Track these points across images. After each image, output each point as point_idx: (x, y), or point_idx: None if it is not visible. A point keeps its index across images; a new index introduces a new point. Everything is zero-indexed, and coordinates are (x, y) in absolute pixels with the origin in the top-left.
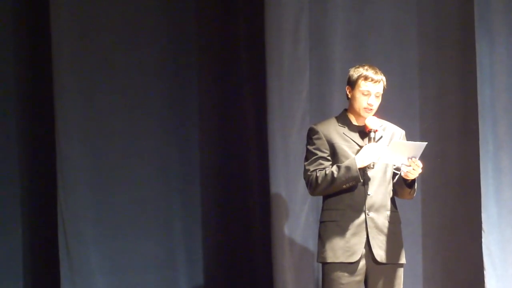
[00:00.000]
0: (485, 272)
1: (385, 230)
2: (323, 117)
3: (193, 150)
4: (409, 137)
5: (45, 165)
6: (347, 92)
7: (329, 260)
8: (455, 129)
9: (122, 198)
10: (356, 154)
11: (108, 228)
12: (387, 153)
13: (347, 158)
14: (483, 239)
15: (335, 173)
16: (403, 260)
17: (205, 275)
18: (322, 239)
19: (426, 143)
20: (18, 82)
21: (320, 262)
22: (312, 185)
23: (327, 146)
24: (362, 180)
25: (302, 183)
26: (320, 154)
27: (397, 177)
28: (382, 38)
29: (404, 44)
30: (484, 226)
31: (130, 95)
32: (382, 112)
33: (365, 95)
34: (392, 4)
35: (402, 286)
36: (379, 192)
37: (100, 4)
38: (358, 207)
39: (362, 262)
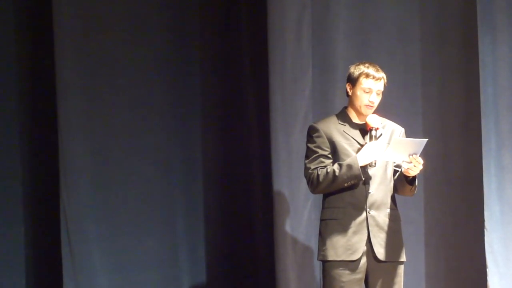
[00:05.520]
0: (487, 270)
1: (386, 228)
2: (326, 115)
3: (196, 148)
4: (412, 134)
5: (47, 163)
6: (348, 89)
7: (330, 258)
8: (457, 127)
9: (124, 196)
10: (357, 152)
11: (110, 226)
12: (388, 150)
13: (347, 156)
14: (485, 237)
15: (337, 171)
16: (403, 258)
17: (208, 273)
18: (323, 237)
19: (427, 139)
20: (21, 80)
21: (321, 260)
22: (313, 183)
23: (327, 144)
24: (363, 179)
25: (304, 181)
26: (321, 152)
27: (397, 174)
28: (385, 36)
29: (406, 42)
30: (486, 224)
31: (132, 93)
32: (385, 110)
33: (367, 92)
34: (395, 2)
35: (402, 284)
36: (380, 190)
37: (103, 2)
38: (359, 205)
39: (363, 260)
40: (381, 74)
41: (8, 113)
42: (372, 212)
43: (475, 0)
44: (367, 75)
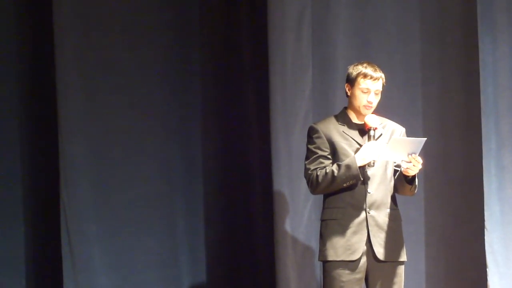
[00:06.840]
0: (487, 270)
1: (386, 228)
2: (326, 115)
3: (196, 149)
4: (412, 134)
5: (47, 163)
6: (346, 90)
7: (330, 258)
8: (457, 127)
9: (124, 196)
10: (356, 153)
11: (110, 226)
12: (386, 150)
13: (347, 156)
14: (485, 237)
15: (335, 171)
16: (403, 257)
17: (208, 273)
18: (323, 237)
19: (426, 138)
20: (21, 80)
21: (321, 260)
22: (312, 184)
23: (327, 145)
24: (362, 179)
25: (304, 181)
26: (320, 153)
27: (397, 173)
28: (385, 36)
29: (407, 42)
30: (486, 224)
31: (132, 93)
32: (385, 110)
33: (365, 92)
34: (395, 2)
35: (403, 284)
36: (379, 190)
37: (103, 2)
38: (359, 205)
39: (363, 260)
40: (379, 74)
41: (8, 113)
42: (372, 212)
43: (475, 0)
44: (365, 75)
